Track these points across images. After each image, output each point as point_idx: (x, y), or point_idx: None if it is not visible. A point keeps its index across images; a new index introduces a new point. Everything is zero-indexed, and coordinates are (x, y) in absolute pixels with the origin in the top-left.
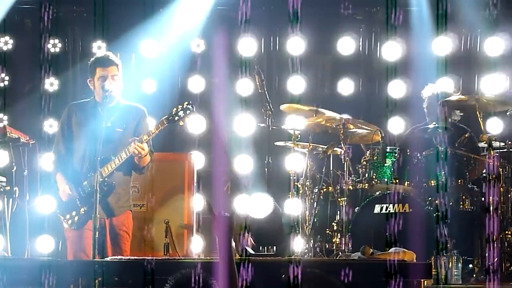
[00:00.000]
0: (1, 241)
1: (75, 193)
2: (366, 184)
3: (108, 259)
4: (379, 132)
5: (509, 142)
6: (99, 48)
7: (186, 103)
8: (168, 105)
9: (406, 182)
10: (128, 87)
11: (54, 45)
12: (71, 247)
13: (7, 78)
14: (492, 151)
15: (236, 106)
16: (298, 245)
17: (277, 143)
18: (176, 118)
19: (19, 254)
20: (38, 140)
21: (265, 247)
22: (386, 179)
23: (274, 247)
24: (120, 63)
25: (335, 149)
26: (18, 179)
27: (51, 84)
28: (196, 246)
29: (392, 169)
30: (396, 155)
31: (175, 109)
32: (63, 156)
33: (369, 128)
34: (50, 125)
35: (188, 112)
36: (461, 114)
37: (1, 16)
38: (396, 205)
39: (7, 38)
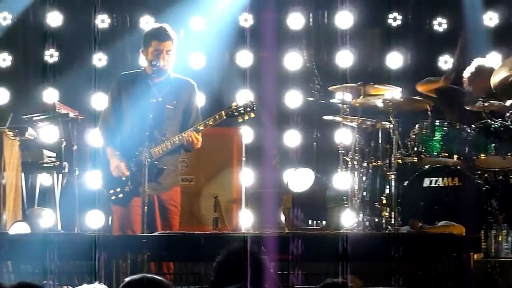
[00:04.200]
0: (51, 216)
1: (127, 171)
2: (415, 158)
3: (156, 233)
4: (427, 104)
5: None
6: (147, 23)
7: (250, 101)
8: (216, 80)
9: (456, 156)
10: (177, 61)
11: (102, 20)
12: (117, 223)
13: (56, 54)
14: None
15: (284, 81)
16: (347, 219)
17: (325, 117)
18: (236, 113)
19: (69, 229)
20: (87, 115)
21: (314, 221)
22: (435, 153)
23: (324, 222)
24: (176, 37)
25: (383, 123)
26: (67, 155)
27: (99, 59)
28: (245, 220)
29: (441, 143)
30: (445, 128)
31: (235, 104)
32: (113, 130)
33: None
34: (99, 100)
35: (249, 111)
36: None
37: None
38: (445, 178)
39: (56, 13)
